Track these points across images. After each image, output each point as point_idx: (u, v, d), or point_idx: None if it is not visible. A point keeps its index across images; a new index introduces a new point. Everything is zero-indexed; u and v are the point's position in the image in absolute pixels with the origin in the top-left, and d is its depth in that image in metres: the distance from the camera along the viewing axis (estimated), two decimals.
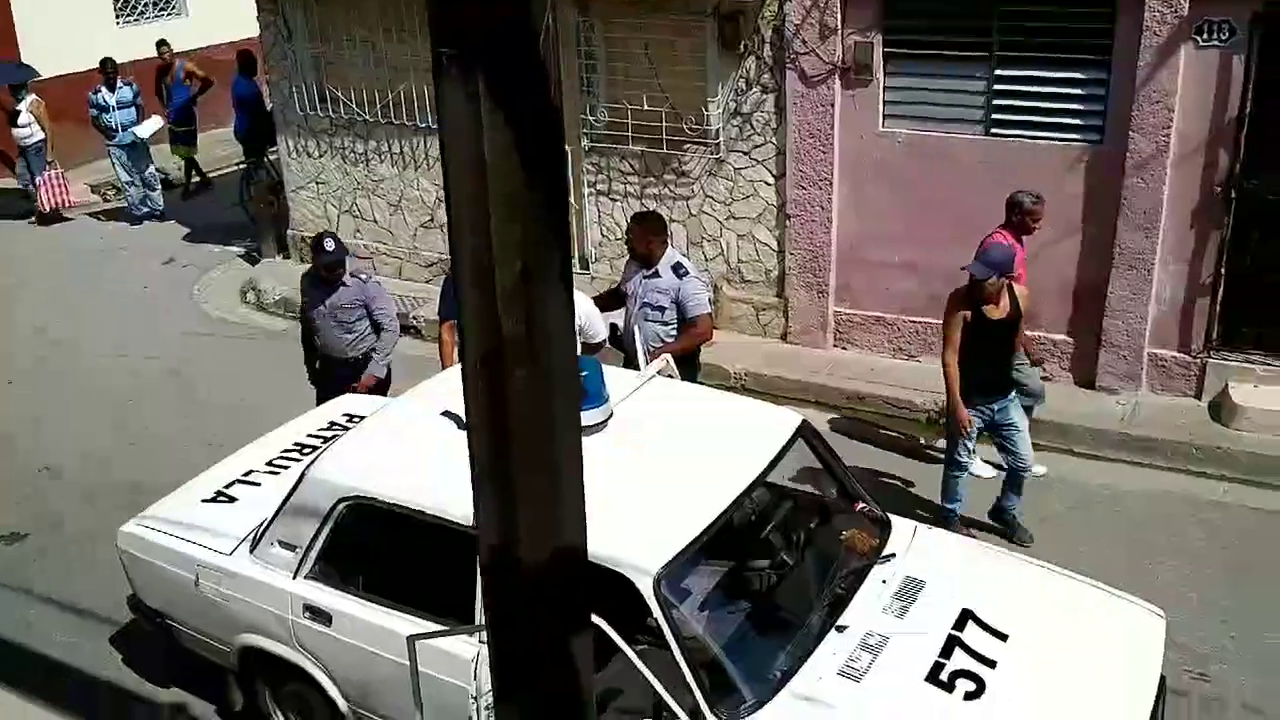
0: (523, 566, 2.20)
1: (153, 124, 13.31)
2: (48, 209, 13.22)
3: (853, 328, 8.81)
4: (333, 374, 6.91)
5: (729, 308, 9.07)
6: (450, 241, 2.08)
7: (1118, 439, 7.53)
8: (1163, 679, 4.46)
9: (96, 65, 12.93)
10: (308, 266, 7.22)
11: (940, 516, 6.41)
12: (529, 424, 2.10)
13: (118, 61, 13.04)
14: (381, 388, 6.89)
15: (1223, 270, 7.48)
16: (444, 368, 6.52)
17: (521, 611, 2.25)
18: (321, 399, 6.88)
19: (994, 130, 7.92)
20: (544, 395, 2.09)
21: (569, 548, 2.25)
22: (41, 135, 13.02)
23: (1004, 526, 6.55)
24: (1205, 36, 7.09)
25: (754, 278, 9.03)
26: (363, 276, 7.00)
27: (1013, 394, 6.33)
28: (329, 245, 6.69)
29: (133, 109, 13.06)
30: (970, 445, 6.38)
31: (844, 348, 8.87)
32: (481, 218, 1.97)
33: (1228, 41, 7.05)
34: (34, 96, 13.01)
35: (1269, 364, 7.51)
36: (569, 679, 2.35)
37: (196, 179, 14.31)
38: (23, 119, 12.95)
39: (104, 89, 12.92)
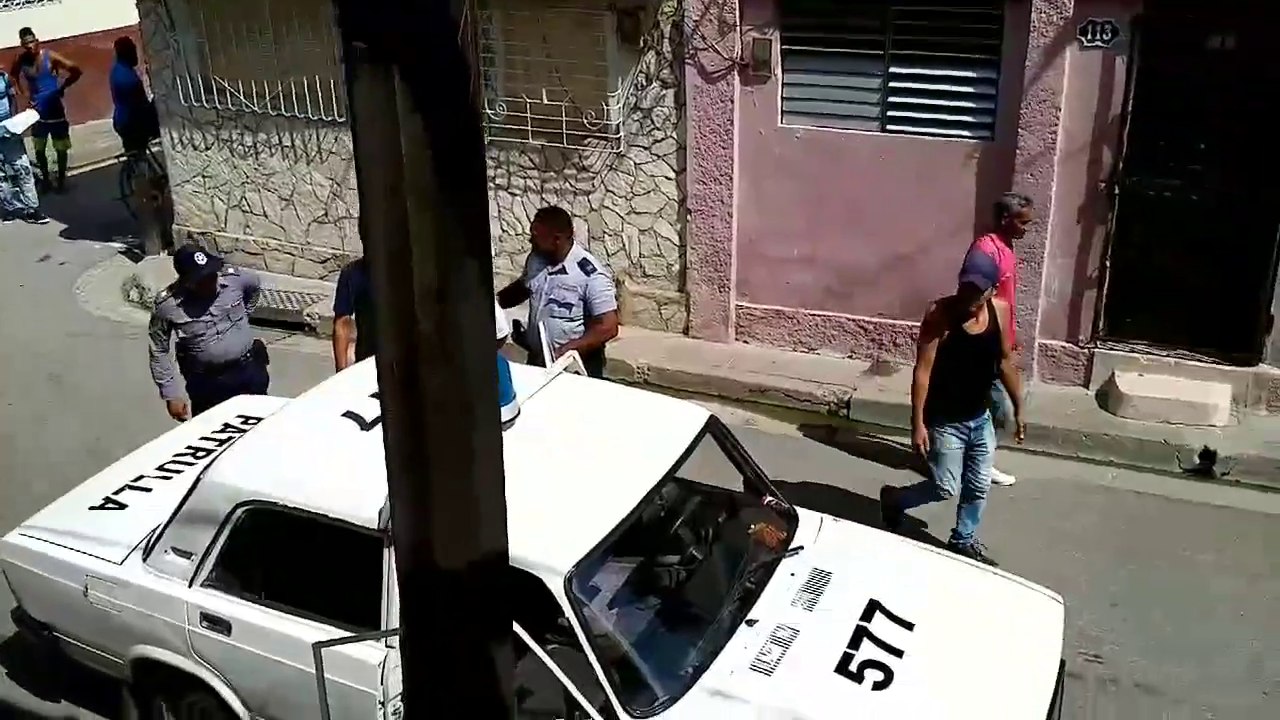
0: (440, 569, 2.14)
1: (27, 117, 12.62)
2: None
3: (754, 321, 8.87)
4: (214, 385, 6.54)
5: (631, 302, 9.06)
6: (364, 241, 2.01)
7: (1012, 428, 7.70)
8: (1062, 663, 4.59)
9: None
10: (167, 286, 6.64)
11: (890, 517, 6.41)
12: (445, 425, 2.05)
13: None
14: (263, 386, 6.72)
15: (1108, 263, 7.72)
16: (338, 364, 6.38)
17: (440, 616, 2.19)
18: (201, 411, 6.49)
19: (889, 127, 8.05)
20: (461, 395, 2.04)
21: (489, 550, 2.21)
22: None
23: (963, 555, 5.80)
24: (1089, 37, 7.30)
25: (655, 272, 9.04)
26: (232, 270, 6.80)
27: (987, 413, 6.12)
28: (201, 259, 6.39)
29: (4, 100, 12.35)
30: (955, 473, 6.06)
31: (745, 341, 8.94)
32: (398, 216, 1.90)
33: (1110, 42, 7.27)
34: None
35: (1152, 353, 7.79)
36: (489, 685, 2.29)
37: (62, 173, 13.64)
38: None
39: None
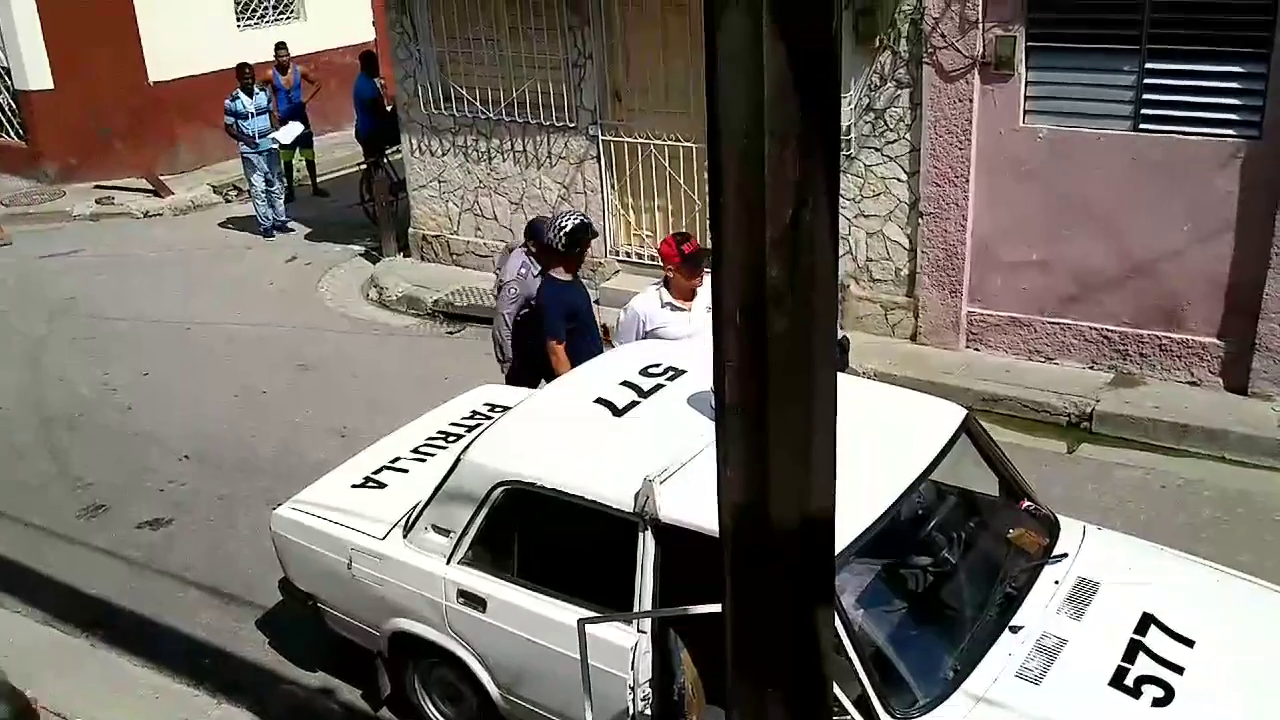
0: (772, 528, 2.09)
1: (294, 129, 13.21)
2: None
3: (986, 328, 8.57)
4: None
5: (856, 307, 8.90)
6: (711, 183, 1.99)
7: (1273, 446, 7.19)
8: None
9: (216, 69, 12.87)
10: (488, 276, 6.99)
11: None
12: (787, 373, 2.00)
13: (250, 65, 12.75)
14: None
15: None
16: None
17: (769, 579, 2.14)
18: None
19: (1143, 125, 7.63)
20: (805, 343, 1.99)
21: (820, 507, 2.15)
22: None
23: None
24: None
25: (883, 276, 8.85)
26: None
27: None
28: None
29: (265, 116, 12.79)
30: None
31: (976, 349, 8.64)
32: (755, 159, 1.87)
33: None
34: None
35: None
36: (810, 654, 2.23)
37: (314, 179, 14.37)
38: None
39: (243, 95, 12.51)
